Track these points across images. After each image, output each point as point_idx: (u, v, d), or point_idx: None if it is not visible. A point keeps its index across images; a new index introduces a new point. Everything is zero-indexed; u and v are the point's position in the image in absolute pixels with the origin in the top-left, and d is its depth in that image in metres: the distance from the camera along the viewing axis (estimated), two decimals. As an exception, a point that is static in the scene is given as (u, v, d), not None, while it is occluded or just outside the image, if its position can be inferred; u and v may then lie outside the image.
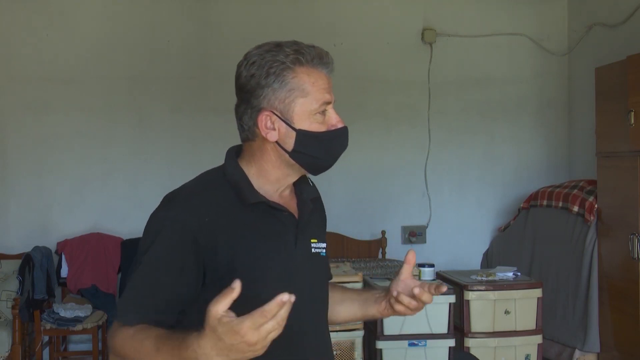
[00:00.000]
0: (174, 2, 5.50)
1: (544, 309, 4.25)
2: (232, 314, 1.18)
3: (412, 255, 1.57)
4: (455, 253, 5.68)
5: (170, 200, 1.48)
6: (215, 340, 1.18)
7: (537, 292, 4.15)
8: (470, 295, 4.06)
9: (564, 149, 5.95)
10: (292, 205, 1.56)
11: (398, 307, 1.57)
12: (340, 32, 5.62)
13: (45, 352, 4.88)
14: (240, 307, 1.43)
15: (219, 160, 1.57)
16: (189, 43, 5.51)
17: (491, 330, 4.08)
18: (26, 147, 5.31)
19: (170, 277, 1.42)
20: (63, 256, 5.16)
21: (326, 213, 1.72)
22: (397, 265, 4.93)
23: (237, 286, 1.18)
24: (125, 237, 5.27)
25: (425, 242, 5.75)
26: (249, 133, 1.51)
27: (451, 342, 3.91)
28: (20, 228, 5.27)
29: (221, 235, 1.43)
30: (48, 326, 4.61)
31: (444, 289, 1.53)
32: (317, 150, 1.49)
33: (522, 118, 5.93)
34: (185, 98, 5.49)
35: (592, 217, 4.65)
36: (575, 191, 4.88)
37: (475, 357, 3.88)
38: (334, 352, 3.85)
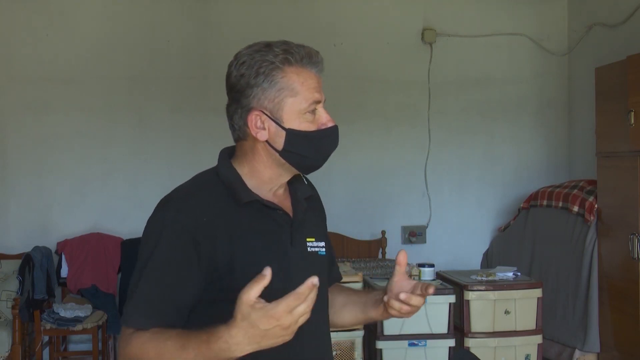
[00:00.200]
0: (174, 2, 5.50)
1: (544, 309, 4.25)
2: (263, 301, 1.20)
3: (402, 256, 1.56)
4: (455, 253, 5.68)
5: (167, 203, 1.49)
6: (248, 328, 1.20)
7: (537, 292, 4.15)
8: (470, 295, 4.06)
9: (564, 149, 5.95)
10: (286, 204, 1.56)
11: (392, 312, 1.57)
12: (340, 32, 5.62)
13: (45, 352, 4.88)
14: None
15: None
16: (189, 43, 5.51)
17: (491, 330, 4.08)
18: (26, 147, 5.31)
19: (178, 278, 1.42)
20: (63, 256, 5.16)
21: (326, 213, 1.72)
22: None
23: (268, 273, 1.21)
24: (125, 237, 5.27)
25: (425, 242, 5.75)
26: (240, 133, 1.52)
27: (451, 342, 3.92)
28: (20, 228, 5.27)
29: (219, 235, 1.44)
30: (48, 326, 4.61)
31: (432, 290, 1.49)
32: (306, 150, 1.49)
33: (522, 118, 5.93)
34: (185, 98, 5.50)
35: (592, 217, 4.65)
36: (575, 191, 4.88)
37: (473, 354, 3.87)
38: (334, 352, 3.86)
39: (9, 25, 5.29)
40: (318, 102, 1.49)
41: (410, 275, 4.05)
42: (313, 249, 1.58)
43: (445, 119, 5.79)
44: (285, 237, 1.52)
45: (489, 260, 5.63)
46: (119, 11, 5.42)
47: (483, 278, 4.22)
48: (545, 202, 5.16)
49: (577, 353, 4.63)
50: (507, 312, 4.08)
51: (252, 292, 1.20)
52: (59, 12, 5.35)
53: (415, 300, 1.51)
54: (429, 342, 3.90)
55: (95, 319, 4.70)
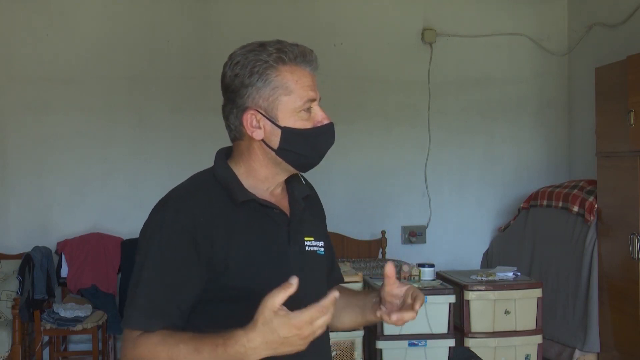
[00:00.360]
0: (174, 2, 5.50)
1: (544, 309, 4.25)
2: (286, 308, 1.21)
3: (389, 269, 1.52)
4: (455, 253, 5.68)
5: (166, 203, 1.49)
6: (268, 333, 1.21)
7: (537, 292, 4.15)
8: (470, 295, 4.06)
9: (564, 149, 5.95)
10: (283, 204, 1.56)
11: (387, 322, 1.56)
12: (340, 32, 5.62)
13: (45, 352, 4.88)
14: (234, 304, 1.43)
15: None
16: (189, 43, 5.51)
17: (491, 330, 4.08)
18: (26, 147, 5.31)
19: (180, 278, 1.42)
20: (63, 256, 5.16)
21: (326, 213, 1.72)
22: (397, 266, 4.92)
23: (294, 282, 1.23)
24: (125, 237, 5.27)
25: (425, 242, 5.75)
26: (236, 132, 1.52)
27: (451, 342, 3.92)
28: (20, 228, 5.27)
29: (216, 234, 1.44)
30: (48, 326, 4.61)
31: (418, 306, 1.48)
32: (302, 147, 1.49)
33: (522, 118, 5.93)
34: (185, 98, 5.50)
35: (592, 217, 4.65)
36: (575, 191, 4.88)
37: (473, 352, 3.87)
38: (334, 352, 3.86)
39: (9, 25, 5.29)
40: (313, 100, 1.49)
41: (410, 276, 4.08)
42: (311, 248, 1.58)
43: (445, 119, 5.79)
44: (283, 236, 1.52)
45: (489, 260, 5.63)
46: (119, 11, 5.42)
47: (483, 278, 4.22)
48: (545, 202, 5.16)
49: (577, 353, 4.63)
50: (507, 312, 4.08)
51: (278, 298, 1.21)
52: (59, 12, 5.35)
53: (408, 316, 1.50)
54: (429, 342, 3.90)
55: (95, 319, 4.70)
